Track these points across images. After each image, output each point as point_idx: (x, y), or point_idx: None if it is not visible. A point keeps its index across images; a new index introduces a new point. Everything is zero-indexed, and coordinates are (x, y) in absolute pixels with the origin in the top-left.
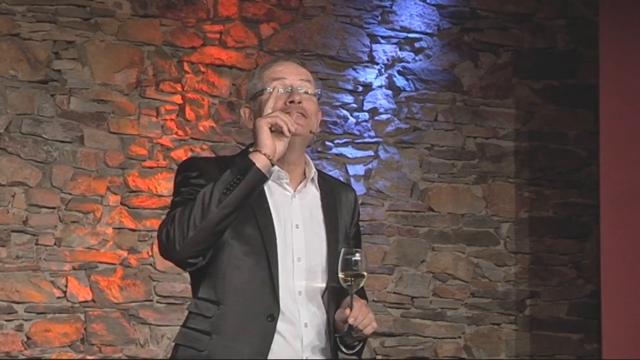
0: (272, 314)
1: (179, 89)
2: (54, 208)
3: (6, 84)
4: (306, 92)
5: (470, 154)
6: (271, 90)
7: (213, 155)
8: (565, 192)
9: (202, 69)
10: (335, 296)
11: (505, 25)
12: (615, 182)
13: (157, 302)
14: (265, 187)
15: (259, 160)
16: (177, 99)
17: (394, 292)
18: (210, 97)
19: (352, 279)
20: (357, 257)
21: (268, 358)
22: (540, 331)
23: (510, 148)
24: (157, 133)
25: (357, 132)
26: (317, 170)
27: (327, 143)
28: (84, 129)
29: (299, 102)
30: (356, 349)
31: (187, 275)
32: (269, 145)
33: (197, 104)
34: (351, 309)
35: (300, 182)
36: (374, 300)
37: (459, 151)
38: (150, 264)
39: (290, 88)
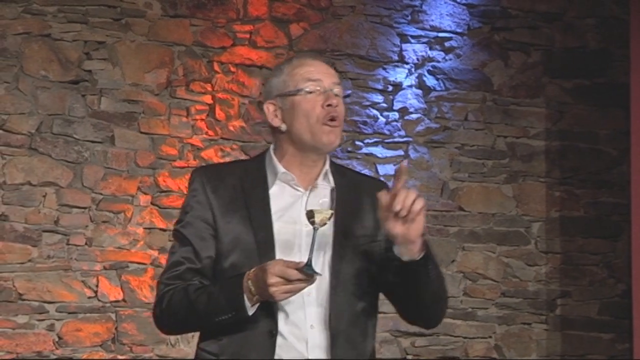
0: (271, 330)
1: (209, 89)
2: (85, 208)
3: (37, 84)
4: (337, 95)
5: (501, 154)
6: (308, 91)
7: (245, 156)
8: (596, 192)
9: (232, 69)
10: (347, 293)
11: (536, 24)
12: None
13: None
14: (271, 190)
15: (254, 305)
16: (207, 99)
17: None
18: (240, 97)
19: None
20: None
21: None
22: (571, 331)
23: (541, 147)
24: (187, 133)
25: (387, 132)
26: (341, 166)
27: (357, 143)
28: (114, 129)
29: (336, 106)
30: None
31: None
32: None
33: (227, 104)
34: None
35: (315, 179)
36: None
37: (489, 151)
38: None
39: (325, 90)
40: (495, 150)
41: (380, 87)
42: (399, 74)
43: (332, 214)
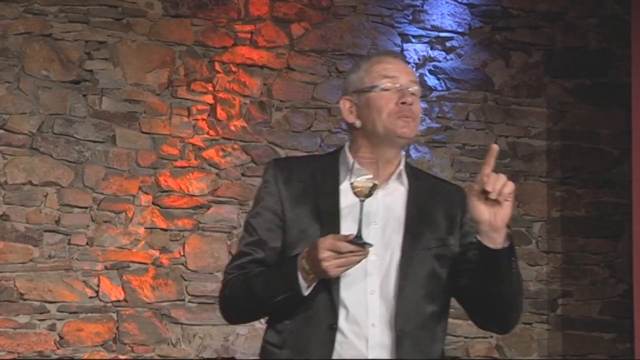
0: (331, 324)
1: (210, 88)
2: (86, 208)
3: (38, 84)
4: (413, 94)
5: (502, 153)
6: (383, 88)
7: (246, 156)
8: (597, 191)
9: (234, 68)
10: (416, 295)
11: (537, 24)
12: None
13: (189, 301)
14: (342, 186)
15: (309, 284)
16: (209, 98)
17: None
18: (241, 96)
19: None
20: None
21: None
22: (573, 331)
23: (542, 147)
24: (188, 133)
25: None
26: (417, 169)
27: None
28: (115, 129)
29: (411, 104)
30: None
31: (218, 274)
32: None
33: (229, 103)
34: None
35: (389, 178)
36: None
37: None
38: (182, 264)
39: (401, 87)
40: None
41: None
42: None
43: (374, 184)
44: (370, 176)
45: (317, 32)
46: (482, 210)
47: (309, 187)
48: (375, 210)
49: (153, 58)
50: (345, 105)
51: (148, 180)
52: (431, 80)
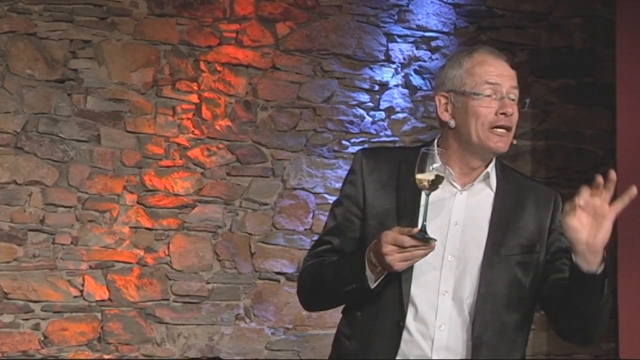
0: (399, 321)
1: (195, 88)
2: (70, 207)
3: (23, 83)
4: (513, 100)
5: None
6: (485, 95)
7: (231, 156)
8: None
9: (219, 68)
10: (497, 303)
11: (522, 24)
12: (632, 182)
13: (174, 301)
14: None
15: (377, 277)
16: (194, 98)
17: None
18: (226, 96)
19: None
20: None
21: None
22: None
23: (527, 147)
24: (173, 132)
25: (373, 131)
26: (511, 169)
27: (344, 142)
28: (100, 128)
29: (511, 114)
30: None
31: (203, 274)
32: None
33: (214, 103)
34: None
35: (475, 179)
36: None
37: None
38: (167, 263)
39: (502, 96)
40: None
41: (366, 86)
42: (386, 74)
43: (437, 176)
44: (439, 165)
45: (302, 31)
46: (577, 229)
47: (393, 179)
48: (458, 210)
49: (138, 57)
50: (440, 101)
51: (133, 180)
52: (416, 80)
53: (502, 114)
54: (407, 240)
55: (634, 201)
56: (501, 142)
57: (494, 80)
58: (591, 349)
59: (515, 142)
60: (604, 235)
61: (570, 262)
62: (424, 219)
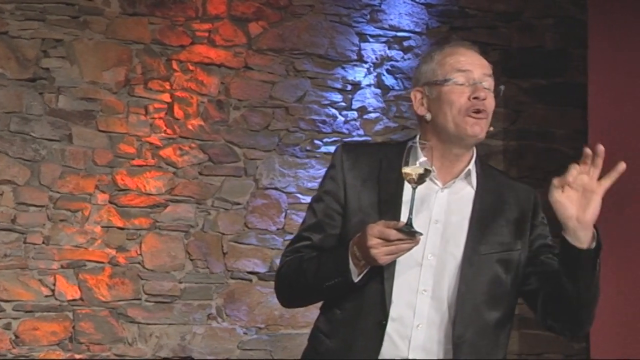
0: (381, 320)
1: (168, 87)
2: (42, 206)
3: None
4: (487, 88)
5: None
6: (456, 82)
7: (203, 155)
8: None
9: (191, 67)
10: (477, 301)
11: (494, 24)
12: None
13: (146, 300)
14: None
15: (361, 271)
16: (166, 97)
17: None
18: (199, 95)
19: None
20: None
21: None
22: (528, 330)
23: (499, 147)
24: (145, 131)
25: (345, 131)
26: (490, 167)
27: (316, 142)
28: (72, 128)
29: (484, 99)
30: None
31: (175, 274)
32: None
33: (186, 102)
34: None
35: (457, 177)
36: None
37: None
38: (139, 263)
39: (474, 82)
40: None
41: (339, 86)
42: (358, 73)
43: (426, 170)
44: (425, 160)
45: (274, 31)
46: (566, 206)
47: (373, 176)
48: (438, 208)
49: (110, 56)
50: (416, 96)
51: (105, 179)
52: (389, 80)
53: (474, 98)
54: (393, 234)
55: (604, 204)
56: (477, 127)
57: (465, 68)
58: (562, 349)
59: (492, 128)
60: (594, 210)
61: (562, 240)
62: (411, 213)
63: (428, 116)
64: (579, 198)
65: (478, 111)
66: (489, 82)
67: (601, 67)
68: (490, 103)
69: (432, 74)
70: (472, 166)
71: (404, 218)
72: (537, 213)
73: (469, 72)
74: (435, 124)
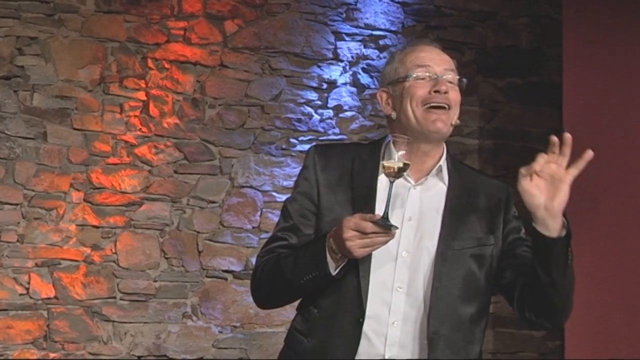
0: (358, 318)
1: (143, 85)
2: (16, 204)
3: None
4: (450, 82)
5: None
6: (416, 77)
7: (179, 153)
8: None
9: (166, 65)
10: (451, 296)
11: (469, 23)
12: (578, 181)
13: (121, 299)
14: (380, 177)
15: (338, 264)
16: (141, 95)
17: None
18: (174, 93)
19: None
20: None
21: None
22: (503, 328)
23: (474, 146)
24: (120, 130)
25: (321, 130)
26: (462, 164)
27: (292, 140)
28: (47, 126)
29: (445, 92)
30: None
31: (150, 272)
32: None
33: (161, 100)
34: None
35: (428, 173)
36: None
37: None
38: (114, 261)
39: (435, 76)
40: None
41: (314, 84)
42: (334, 72)
43: (405, 164)
44: (403, 153)
45: (250, 29)
46: (534, 195)
47: (346, 175)
48: (412, 205)
49: (85, 54)
50: (382, 97)
51: (80, 177)
52: (364, 79)
53: (435, 91)
54: (369, 226)
55: (580, 203)
56: (440, 122)
57: (425, 63)
58: (537, 347)
59: (458, 122)
60: (562, 199)
61: (532, 230)
62: (387, 206)
63: (394, 115)
64: (547, 187)
65: (438, 107)
66: (451, 76)
67: (576, 66)
68: (453, 96)
69: (394, 72)
70: (443, 162)
71: (379, 214)
72: (510, 208)
73: (429, 67)
74: (400, 122)
